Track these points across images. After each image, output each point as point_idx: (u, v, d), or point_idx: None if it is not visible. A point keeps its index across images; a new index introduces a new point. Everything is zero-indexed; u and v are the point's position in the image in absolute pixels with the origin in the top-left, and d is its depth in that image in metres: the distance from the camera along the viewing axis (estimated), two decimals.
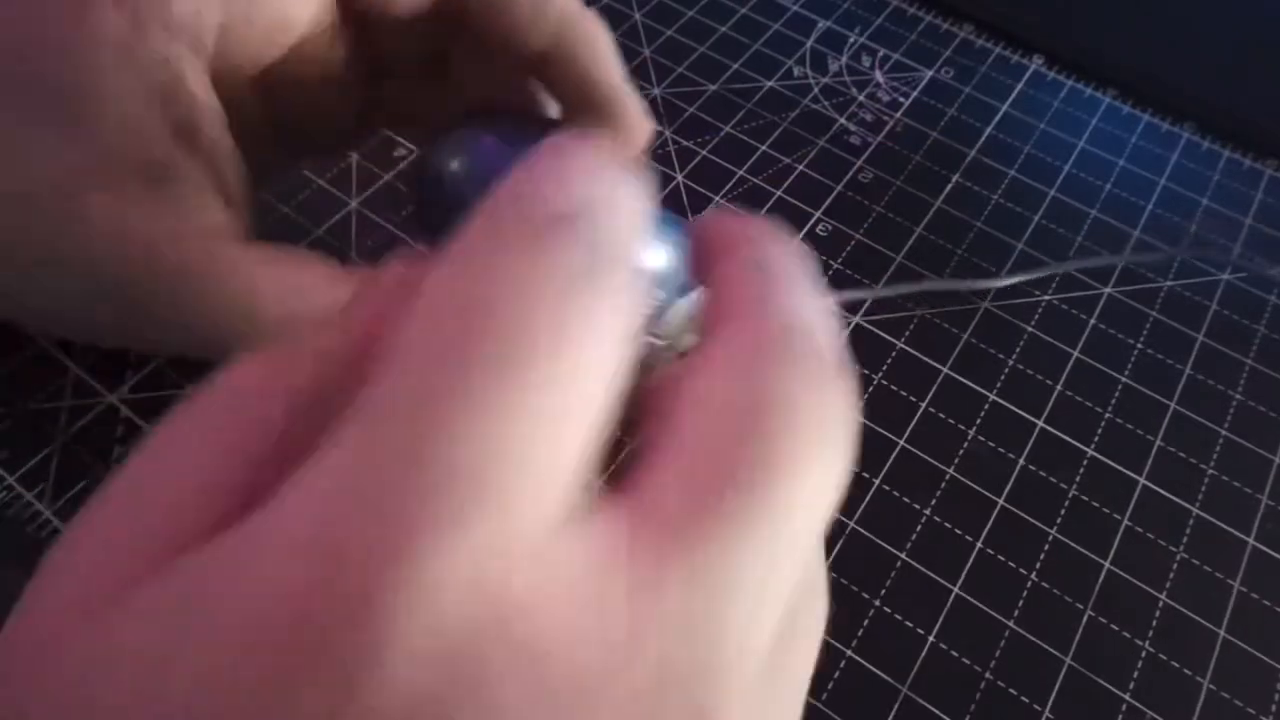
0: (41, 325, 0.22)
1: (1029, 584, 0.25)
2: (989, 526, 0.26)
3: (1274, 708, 0.24)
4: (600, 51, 0.22)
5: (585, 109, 0.22)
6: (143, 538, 0.12)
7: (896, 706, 0.23)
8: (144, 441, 0.12)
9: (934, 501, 0.26)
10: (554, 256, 0.11)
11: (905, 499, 0.26)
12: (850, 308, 0.30)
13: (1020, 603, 0.25)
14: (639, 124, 0.23)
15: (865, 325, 0.30)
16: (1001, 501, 0.27)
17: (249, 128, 0.21)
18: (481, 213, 0.11)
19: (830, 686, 0.23)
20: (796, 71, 0.37)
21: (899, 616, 0.24)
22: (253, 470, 0.12)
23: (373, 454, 0.09)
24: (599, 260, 0.11)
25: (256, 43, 0.20)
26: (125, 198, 0.18)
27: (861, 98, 0.36)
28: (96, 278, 0.19)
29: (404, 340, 0.10)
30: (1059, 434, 0.28)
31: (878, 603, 0.25)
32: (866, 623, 0.24)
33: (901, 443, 0.27)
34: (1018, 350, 0.30)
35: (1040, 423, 0.28)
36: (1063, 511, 0.27)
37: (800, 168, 0.34)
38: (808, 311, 0.13)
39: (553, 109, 0.24)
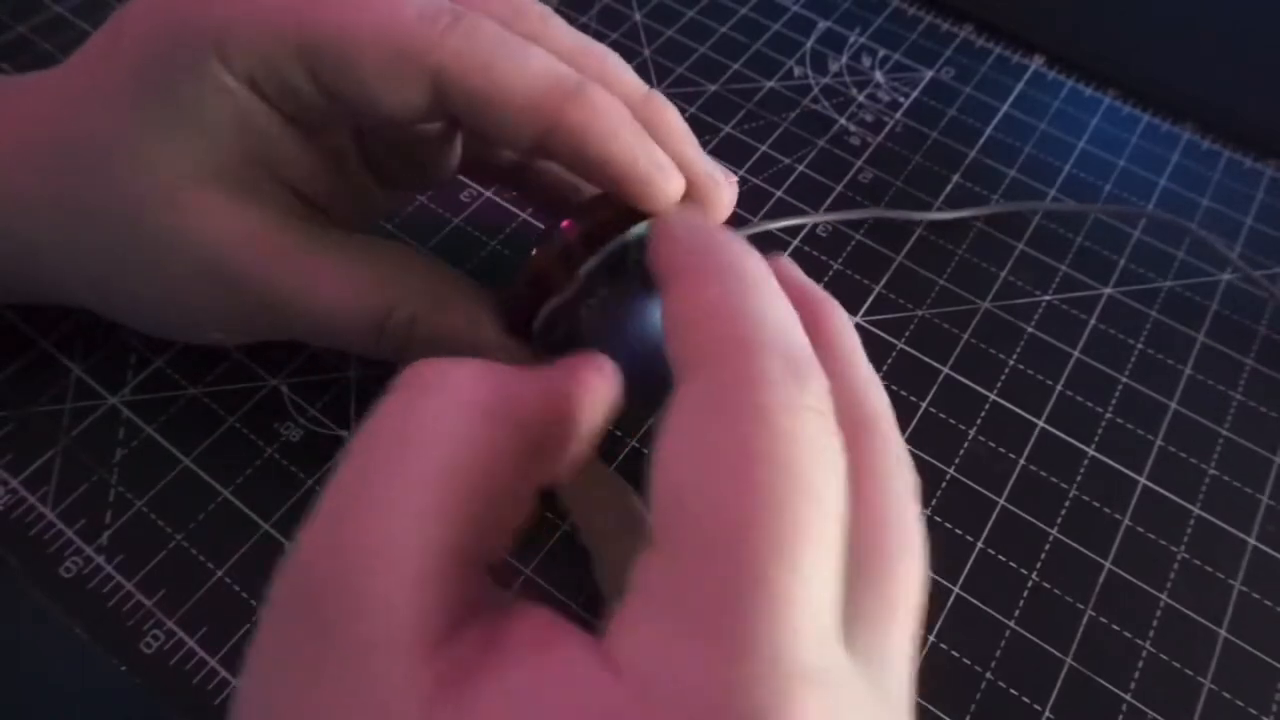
0: (126, 314, 0.24)
1: (1029, 584, 0.25)
2: (989, 526, 0.26)
3: (1275, 708, 0.24)
4: (612, 128, 0.19)
5: (636, 193, 0.20)
6: (446, 603, 0.14)
7: None
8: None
9: (934, 502, 0.26)
10: (799, 402, 0.14)
11: None
12: (851, 307, 0.30)
13: (1021, 603, 0.25)
14: (714, 194, 0.22)
15: (865, 325, 0.30)
16: (1002, 501, 0.27)
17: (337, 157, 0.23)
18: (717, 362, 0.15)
19: None
20: (796, 72, 0.37)
21: None
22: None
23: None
24: (816, 393, 0.14)
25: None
26: (219, 197, 0.21)
27: (861, 98, 0.36)
28: (191, 263, 0.21)
29: (705, 492, 0.13)
30: (1059, 434, 0.28)
31: None
32: None
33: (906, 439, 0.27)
34: (1018, 350, 0.30)
35: (1041, 423, 0.28)
36: (1063, 511, 0.27)
37: (800, 168, 0.34)
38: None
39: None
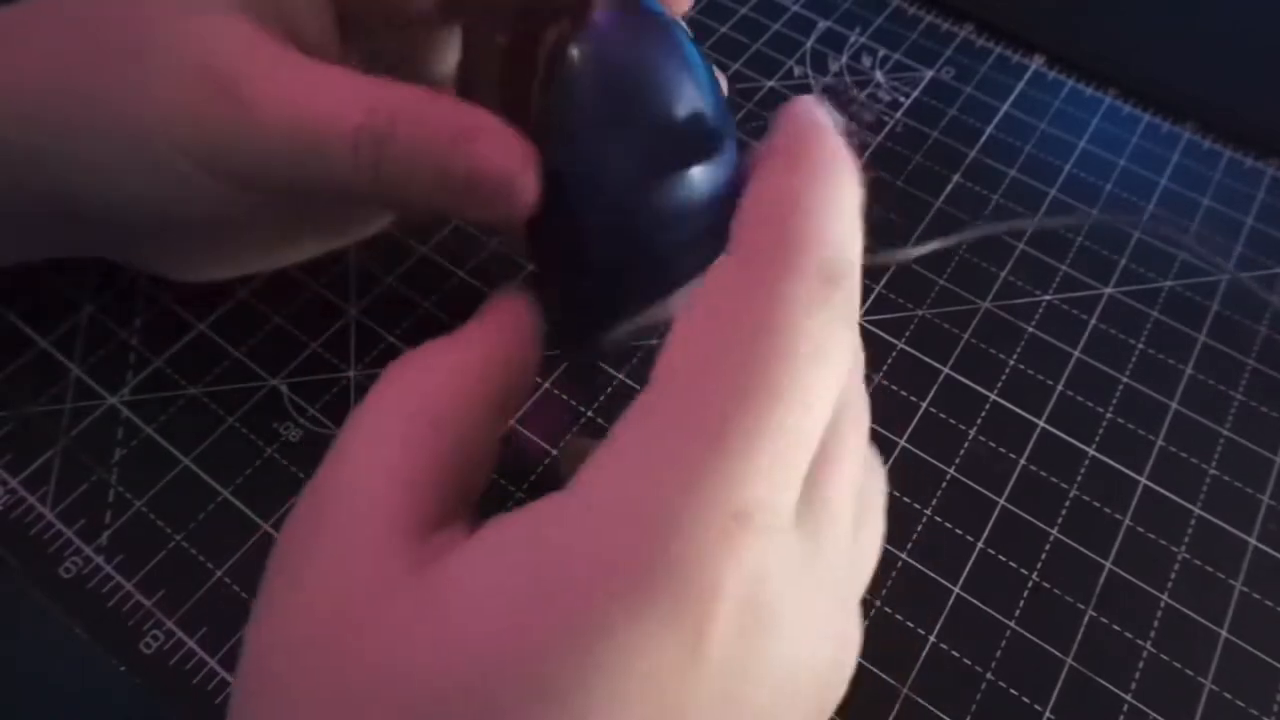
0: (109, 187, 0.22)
1: (1029, 584, 0.25)
2: (989, 526, 0.26)
3: (1276, 708, 0.24)
4: None
5: None
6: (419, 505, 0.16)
7: (897, 706, 0.23)
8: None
9: (934, 501, 0.26)
10: (821, 302, 0.16)
11: (905, 499, 0.26)
12: None
13: (1021, 603, 0.25)
14: None
15: (865, 325, 0.30)
16: (1002, 501, 0.27)
17: None
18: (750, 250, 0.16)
19: None
20: (797, 71, 0.37)
21: (899, 616, 0.24)
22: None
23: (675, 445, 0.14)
24: (842, 303, 0.17)
25: None
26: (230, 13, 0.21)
27: (862, 98, 0.36)
28: (185, 62, 0.20)
29: (702, 353, 0.15)
30: (1060, 434, 0.28)
31: (878, 603, 0.24)
32: (867, 623, 0.24)
33: (902, 443, 0.27)
34: (1018, 350, 0.30)
35: (1041, 423, 0.28)
36: (1063, 511, 0.27)
37: None
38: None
39: None
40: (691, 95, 0.18)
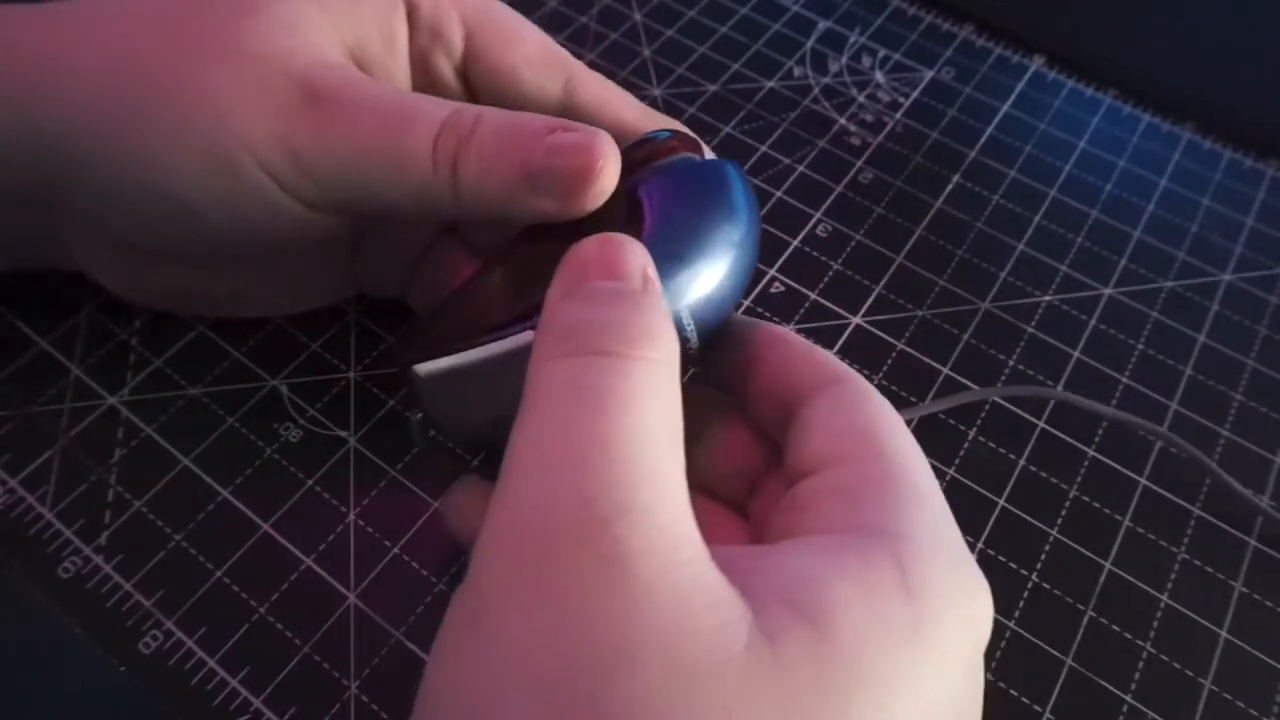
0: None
1: (1029, 584, 0.25)
2: (989, 526, 0.26)
3: (1276, 709, 0.24)
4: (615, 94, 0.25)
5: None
6: None
7: None
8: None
9: None
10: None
11: None
12: (851, 307, 0.30)
13: (1020, 603, 0.25)
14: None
15: (865, 325, 0.30)
16: (1001, 502, 0.27)
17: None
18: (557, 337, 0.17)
19: None
20: (797, 72, 0.37)
21: None
22: None
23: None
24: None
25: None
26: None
27: (862, 98, 0.36)
28: (275, 67, 0.21)
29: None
30: (1060, 434, 0.28)
31: None
32: None
33: None
34: (1018, 350, 0.30)
35: (1041, 423, 0.28)
36: (1063, 511, 0.27)
37: (800, 168, 0.34)
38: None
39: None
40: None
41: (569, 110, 0.24)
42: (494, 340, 0.20)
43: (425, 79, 0.24)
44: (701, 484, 0.22)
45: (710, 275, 0.20)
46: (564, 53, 0.25)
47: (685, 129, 0.24)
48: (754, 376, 0.21)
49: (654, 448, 0.15)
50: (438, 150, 0.20)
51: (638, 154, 0.22)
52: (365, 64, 0.23)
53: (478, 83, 0.24)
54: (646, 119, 0.24)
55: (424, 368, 0.20)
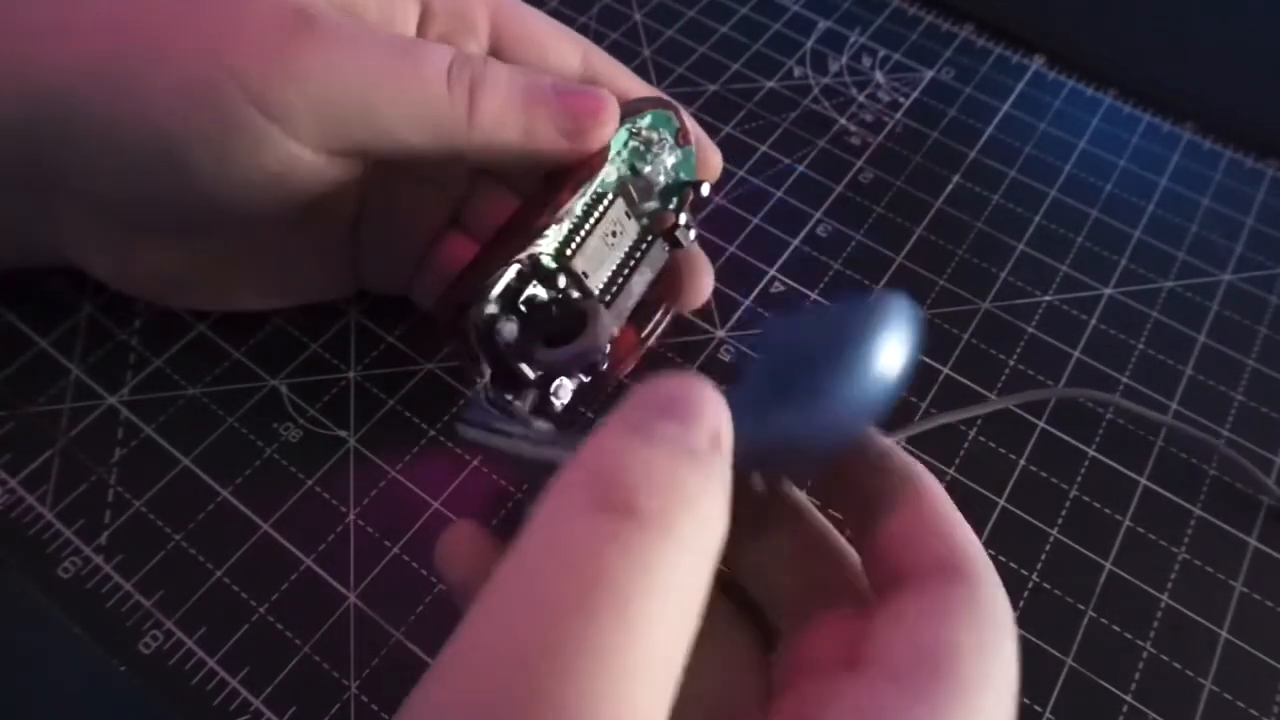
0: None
1: (1029, 584, 0.25)
2: (989, 526, 0.26)
3: (1276, 709, 0.24)
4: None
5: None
6: None
7: None
8: None
9: None
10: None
11: None
12: None
13: (1021, 603, 0.25)
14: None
15: None
16: (1002, 502, 0.27)
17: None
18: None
19: None
20: (797, 72, 0.37)
21: None
22: None
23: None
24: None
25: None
26: None
27: (862, 98, 0.36)
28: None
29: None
30: (1060, 434, 0.28)
31: None
32: None
33: (902, 444, 0.27)
34: (1018, 350, 0.30)
35: (1041, 423, 0.28)
36: (1063, 511, 0.27)
37: (800, 168, 0.34)
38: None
39: None
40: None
41: (586, 80, 0.25)
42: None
43: None
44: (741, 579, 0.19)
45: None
46: (579, 36, 0.25)
47: (669, 99, 0.25)
48: (865, 524, 0.17)
49: (638, 679, 0.12)
50: (452, 80, 0.20)
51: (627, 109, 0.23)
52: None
53: (505, 58, 0.24)
54: (646, 92, 0.26)
55: (478, 308, 0.20)
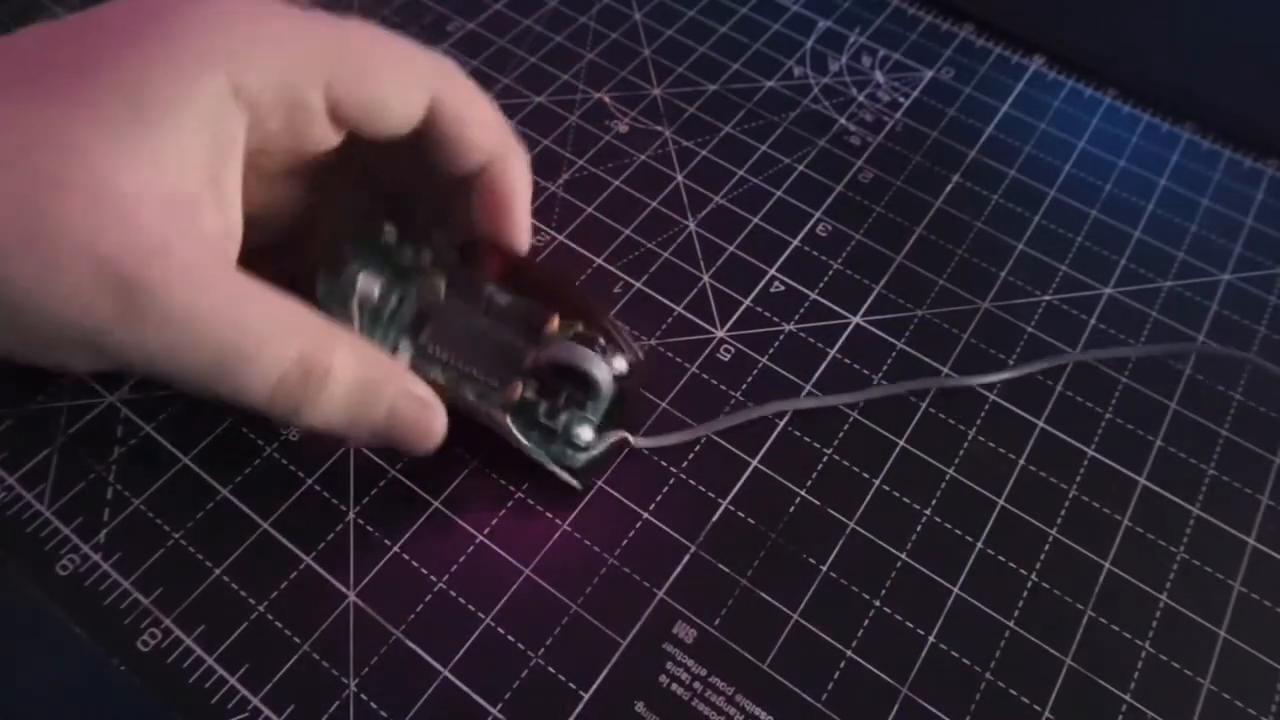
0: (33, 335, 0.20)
1: (1029, 584, 0.25)
2: (989, 526, 0.26)
3: (1275, 709, 0.24)
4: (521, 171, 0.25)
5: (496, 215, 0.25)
6: None
7: (896, 706, 0.23)
8: None
9: (933, 502, 0.26)
10: None
11: (905, 499, 0.26)
12: (851, 307, 0.30)
13: (1020, 603, 0.25)
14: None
15: (865, 325, 0.30)
16: (1001, 502, 0.27)
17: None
18: None
19: (830, 686, 0.23)
20: (796, 71, 0.37)
21: (899, 617, 0.24)
22: None
23: None
24: None
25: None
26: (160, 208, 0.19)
27: (861, 98, 0.36)
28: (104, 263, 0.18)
29: None
30: (1059, 434, 0.28)
31: (878, 603, 0.24)
32: (866, 623, 0.24)
33: (901, 443, 0.27)
34: (1018, 350, 0.30)
35: (1040, 423, 0.28)
36: (1063, 511, 0.27)
37: (800, 168, 0.34)
38: None
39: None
40: None
41: (429, 127, 0.23)
42: None
43: (294, 144, 0.22)
44: None
45: None
46: (431, 63, 0.23)
47: (519, 149, 0.25)
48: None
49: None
50: (277, 397, 0.20)
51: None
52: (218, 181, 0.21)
53: (347, 121, 0.22)
54: (502, 142, 0.25)
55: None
